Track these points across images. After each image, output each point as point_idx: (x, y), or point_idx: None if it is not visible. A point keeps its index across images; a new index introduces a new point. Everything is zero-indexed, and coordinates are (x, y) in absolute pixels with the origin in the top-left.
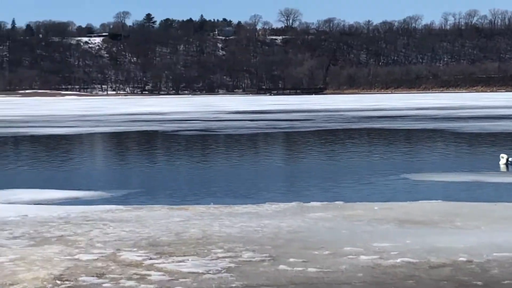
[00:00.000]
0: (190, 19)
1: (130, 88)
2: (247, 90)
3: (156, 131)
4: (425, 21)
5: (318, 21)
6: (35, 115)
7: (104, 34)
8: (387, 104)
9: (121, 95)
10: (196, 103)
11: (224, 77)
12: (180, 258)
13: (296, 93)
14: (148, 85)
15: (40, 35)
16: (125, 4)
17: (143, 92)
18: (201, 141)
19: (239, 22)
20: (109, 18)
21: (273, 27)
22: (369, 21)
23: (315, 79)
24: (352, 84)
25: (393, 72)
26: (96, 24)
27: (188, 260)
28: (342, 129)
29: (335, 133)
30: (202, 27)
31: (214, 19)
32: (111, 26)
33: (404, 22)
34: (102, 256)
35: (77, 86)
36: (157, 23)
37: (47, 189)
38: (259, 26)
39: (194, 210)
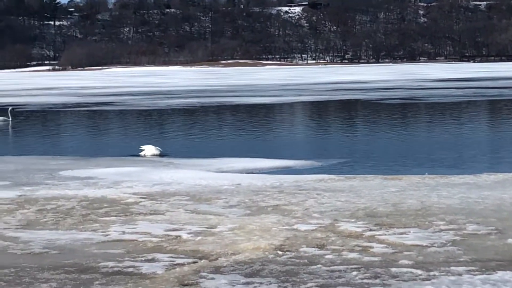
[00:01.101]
0: None
1: (330, 57)
2: (449, 58)
3: (359, 100)
4: None
5: None
6: (238, 84)
7: (304, 3)
8: None
9: (321, 64)
10: (397, 71)
11: (426, 44)
12: (401, 230)
13: (501, 60)
14: (348, 53)
15: (241, 6)
16: None
17: (343, 61)
18: (406, 109)
19: None
20: None
21: None
22: None
23: None
24: None
25: None
26: None
27: (410, 232)
28: None
29: None
30: None
31: None
32: None
33: None
34: (320, 227)
35: (277, 56)
36: None
37: (256, 158)
38: None
39: (409, 180)
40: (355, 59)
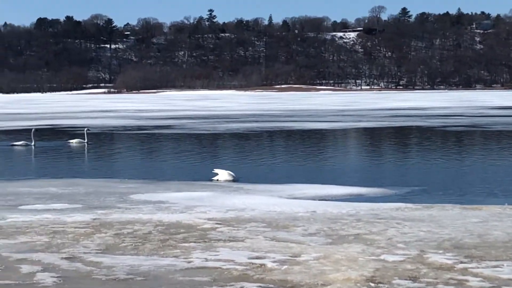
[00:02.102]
0: (447, 12)
1: (384, 83)
2: (505, 85)
3: (421, 127)
4: None
5: None
6: (294, 109)
7: (358, 29)
8: None
9: (375, 90)
10: (454, 98)
11: (482, 71)
12: (494, 263)
13: None
14: (403, 79)
15: (296, 31)
16: None
17: (397, 87)
18: (472, 137)
19: (498, 15)
20: (364, 13)
21: None
22: None
23: None
24: None
25: None
26: (351, 19)
27: (503, 265)
28: None
29: None
30: (459, 20)
31: (471, 12)
32: (366, 21)
33: None
34: (408, 258)
35: (331, 81)
36: (413, 17)
37: (327, 184)
38: None
39: (489, 210)
40: (409, 85)
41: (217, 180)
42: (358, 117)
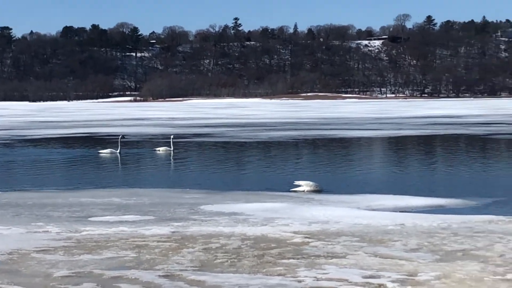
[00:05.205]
0: (472, 20)
1: (409, 91)
2: None
3: (467, 135)
4: None
5: None
6: (327, 117)
7: (383, 37)
8: None
9: (400, 98)
10: (484, 106)
11: (507, 79)
12: None
13: None
14: (428, 88)
15: (321, 39)
16: (406, 7)
17: (422, 95)
18: None
19: None
20: (389, 21)
21: None
22: None
23: None
24: None
25: None
26: (376, 27)
27: None
28: None
29: None
30: (484, 28)
31: (496, 20)
32: (391, 29)
33: None
34: None
35: (356, 89)
36: (438, 25)
37: (403, 195)
38: None
39: None
40: (434, 93)
41: (303, 191)
42: (397, 125)
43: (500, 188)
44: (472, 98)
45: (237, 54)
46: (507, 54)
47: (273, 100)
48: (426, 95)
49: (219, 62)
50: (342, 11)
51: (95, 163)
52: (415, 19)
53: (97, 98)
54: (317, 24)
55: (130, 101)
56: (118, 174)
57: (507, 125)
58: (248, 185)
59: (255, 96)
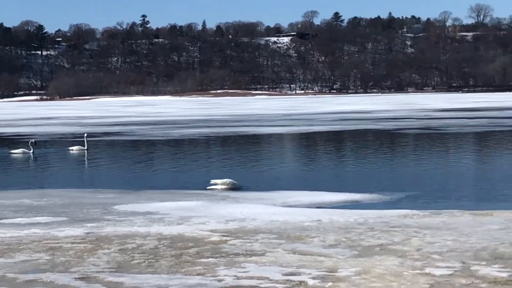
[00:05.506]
0: (378, 17)
1: (318, 87)
2: (436, 88)
3: (376, 130)
4: None
5: (510, 16)
6: (237, 114)
7: (292, 33)
8: None
9: (310, 94)
10: (392, 101)
11: (413, 75)
12: None
13: (488, 91)
14: (336, 83)
15: (230, 36)
16: (314, 3)
17: (331, 91)
18: (432, 139)
19: (428, 19)
20: (297, 17)
21: (463, 23)
22: None
23: (508, 76)
24: None
25: None
26: (284, 24)
27: None
28: None
29: None
30: (390, 25)
31: (402, 17)
32: (299, 26)
33: None
34: (456, 271)
35: (266, 86)
36: (345, 21)
37: (317, 191)
38: (448, 23)
39: (502, 215)
40: (343, 89)
41: (219, 189)
42: (307, 121)
43: (412, 182)
44: (380, 94)
45: (145, 52)
46: (413, 50)
47: (183, 98)
48: (334, 91)
49: (127, 60)
50: (250, 8)
51: (5, 163)
52: (323, 16)
53: (2, 98)
54: (226, 21)
55: (37, 100)
56: (29, 175)
57: (415, 119)
58: (162, 184)
59: (165, 93)
